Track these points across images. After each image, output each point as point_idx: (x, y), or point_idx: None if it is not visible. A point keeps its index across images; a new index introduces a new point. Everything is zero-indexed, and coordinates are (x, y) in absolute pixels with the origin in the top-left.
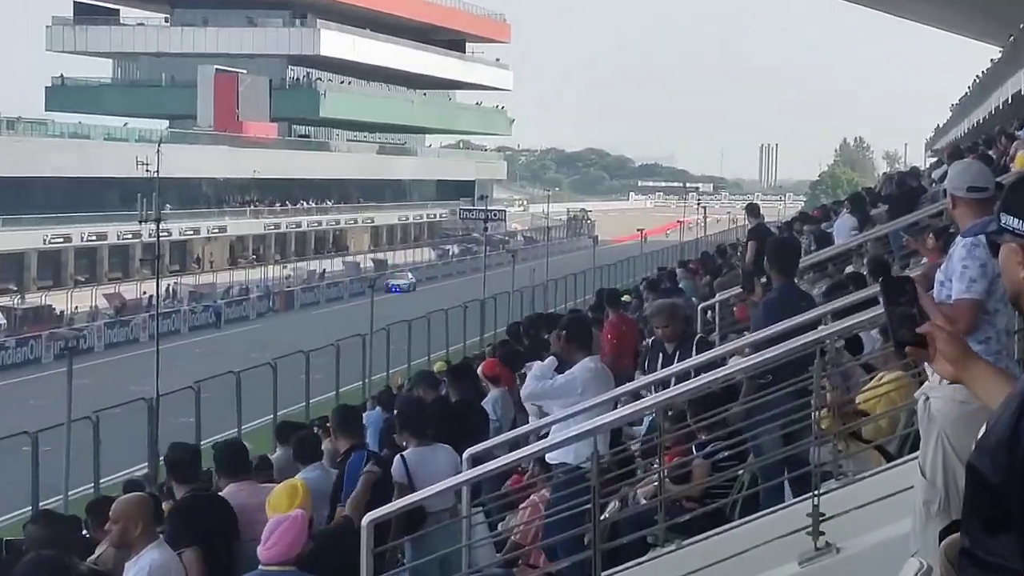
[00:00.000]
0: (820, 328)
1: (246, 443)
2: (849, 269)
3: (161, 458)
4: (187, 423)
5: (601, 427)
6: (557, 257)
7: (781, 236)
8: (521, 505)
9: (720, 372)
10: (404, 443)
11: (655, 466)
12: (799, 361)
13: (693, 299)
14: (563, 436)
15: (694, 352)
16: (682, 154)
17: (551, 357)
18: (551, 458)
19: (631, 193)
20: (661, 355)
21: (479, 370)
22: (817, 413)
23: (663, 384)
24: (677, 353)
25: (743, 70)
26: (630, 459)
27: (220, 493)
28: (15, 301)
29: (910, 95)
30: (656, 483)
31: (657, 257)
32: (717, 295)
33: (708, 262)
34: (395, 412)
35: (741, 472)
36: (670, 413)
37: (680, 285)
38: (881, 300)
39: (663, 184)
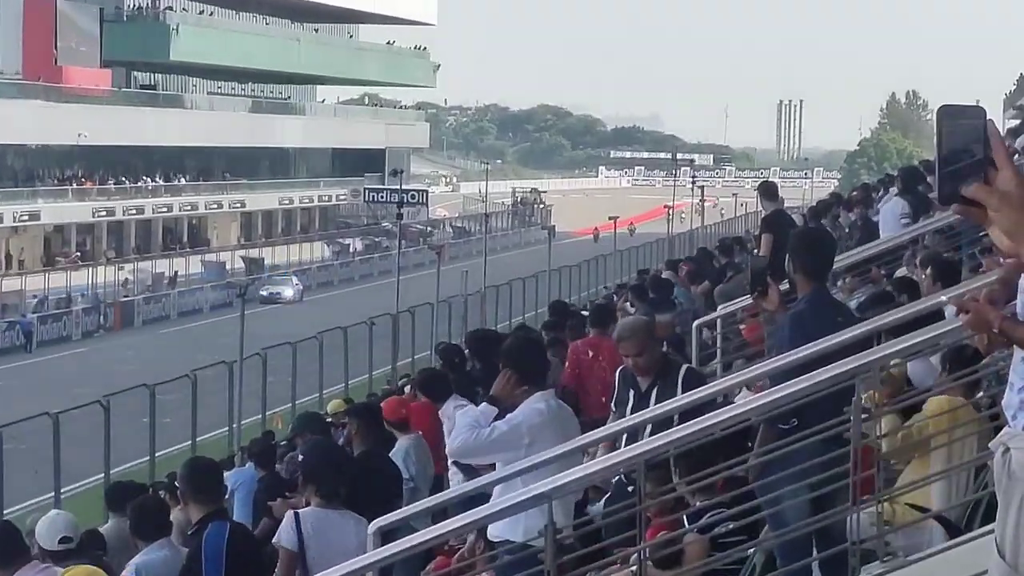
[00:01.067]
0: (864, 353)
1: (67, 512)
2: (900, 272)
3: None
4: None
5: (557, 490)
6: (499, 255)
7: (808, 227)
8: None
9: (726, 413)
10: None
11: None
12: (833, 398)
13: (693, 312)
14: (505, 503)
15: (679, 387)
16: (671, 115)
17: (484, 403)
18: (491, 534)
19: (601, 167)
20: (633, 392)
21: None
22: (854, 469)
23: (634, 434)
24: (655, 389)
25: (754, 2)
26: (598, 534)
27: None
28: None
29: (982, 35)
30: (635, 566)
31: (636, 255)
32: (719, 308)
33: (706, 263)
34: (301, 460)
35: (752, 551)
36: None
37: (674, 294)
38: (936, 138)
39: (645, 155)
